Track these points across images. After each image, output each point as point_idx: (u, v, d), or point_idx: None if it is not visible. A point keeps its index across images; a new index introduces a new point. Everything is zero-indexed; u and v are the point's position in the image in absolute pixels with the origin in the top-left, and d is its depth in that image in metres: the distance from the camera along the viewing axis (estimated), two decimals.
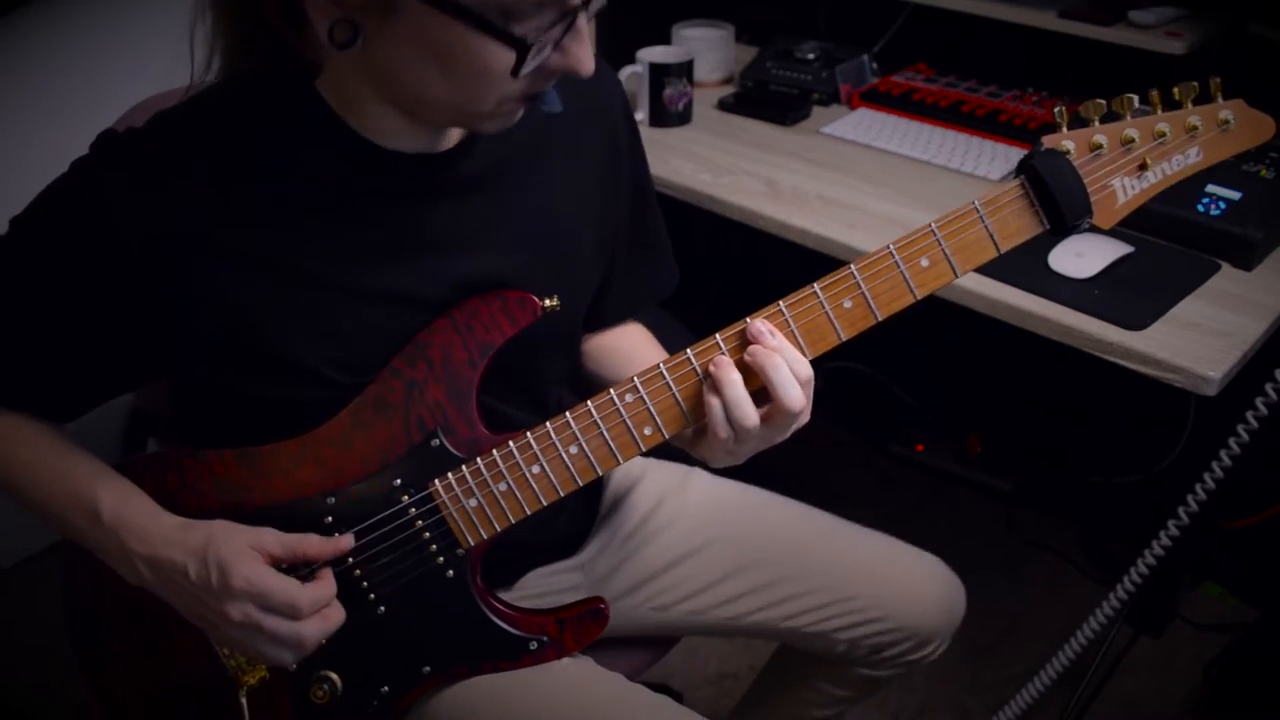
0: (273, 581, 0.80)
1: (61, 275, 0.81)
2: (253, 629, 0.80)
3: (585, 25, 0.72)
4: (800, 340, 0.81)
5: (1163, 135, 0.83)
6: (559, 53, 0.72)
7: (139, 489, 0.86)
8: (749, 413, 0.80)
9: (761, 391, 0.80)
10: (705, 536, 1.09)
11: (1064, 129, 0.83)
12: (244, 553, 0.80)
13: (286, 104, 0.80)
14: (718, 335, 0.82)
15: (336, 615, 0.84)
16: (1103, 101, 0.82)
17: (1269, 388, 1.27)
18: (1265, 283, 1.27)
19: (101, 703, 0.96)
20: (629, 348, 1.06)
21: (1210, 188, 1.32)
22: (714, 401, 0.80)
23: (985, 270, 1.27)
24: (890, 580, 1.08)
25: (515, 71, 0.70)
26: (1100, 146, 0.82)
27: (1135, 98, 0.82)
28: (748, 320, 0.81)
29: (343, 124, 0.80)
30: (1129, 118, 0.83)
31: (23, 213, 0.84)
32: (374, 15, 0.69)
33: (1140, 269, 1.28)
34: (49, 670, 1.66)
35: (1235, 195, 1.31)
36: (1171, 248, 1.33)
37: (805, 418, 0.82)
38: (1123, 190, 0.84)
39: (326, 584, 0.84)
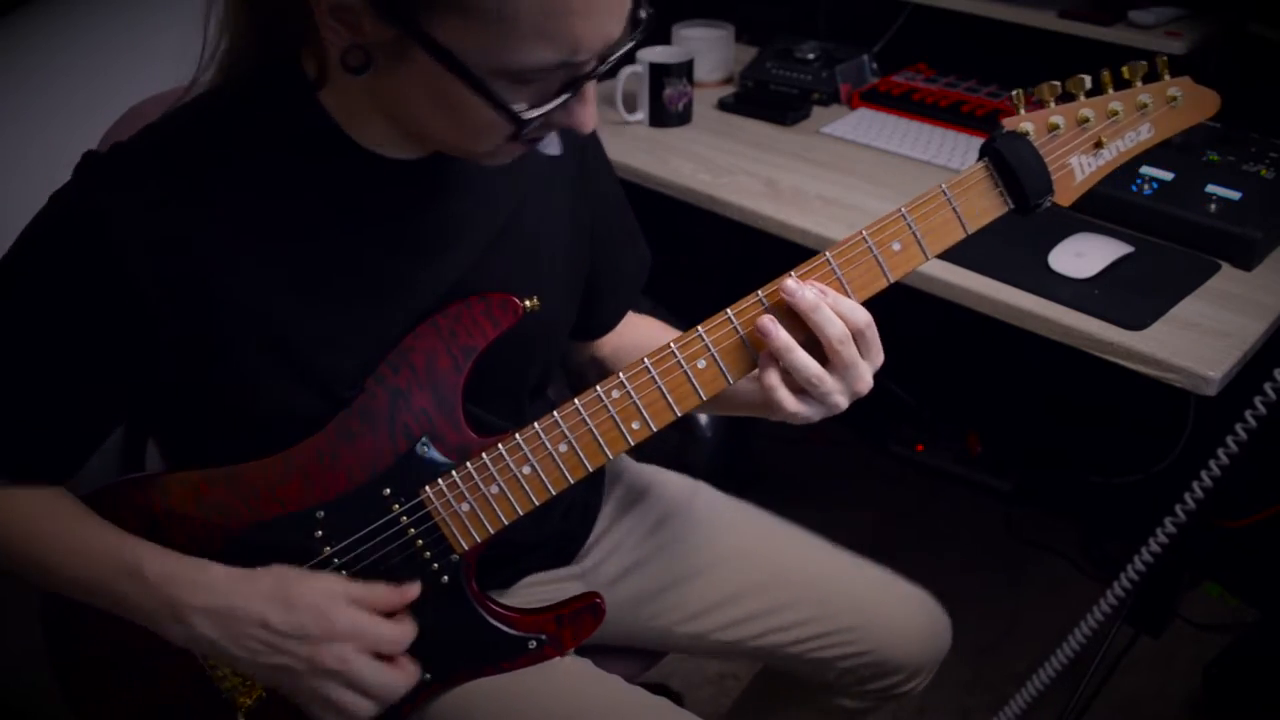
0: (376, 621, 0.80)
1: (62, 317, 0.78)
2: (344, 676, 0.79)
3: (592, 88, 0.73)
4: None
5: (1115, 114, 0.86)
6: (563, 110, 0.72)
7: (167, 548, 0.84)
8: (814, 370, 0.79)
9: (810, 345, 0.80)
10: (708, 558, 1.09)
11: (1021, 110, 0.85)
12: (335, 596, 0.80)
13: (286, 113, 0.79)
14: (700, 328, 0.82)
15: (415, 671, 0.84)
16: (1058, 83, 0.84)
17: (1269, 388, 1.26)
18: (1265, 283, 1.27)
19: None
20: (652, 336, 1.07)
21: (1210, 188, 1.32)
22: (771, 377, 0.80)
23: (985, 270, 1.28)
24: (883, 614, 1.08)
25: (514, 137, 0.71)
26: (1057, 127, 0.85)
27: (1088, 78, 0.85)
28: (749, 307, 0.81)
29: (344, 135, 0.79)
30: (1082, 98, 0.85)
31: (6, 257, 0.80)
32: (386, 54, 0.69)
33: (1140, 269, 1.28)
34: (49, 670, 1.66)
35: (1235, 195, 1.31)
36: (1171, 248, 1.32)
37: (877, 354, 0.81)
38: (1080, 168, 0.86)
39: (411, 624, 0.84)
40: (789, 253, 1.43)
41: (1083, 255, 1.29)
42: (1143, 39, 1.50)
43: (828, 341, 0.79)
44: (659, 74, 1.67)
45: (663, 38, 1.84)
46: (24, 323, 0.80)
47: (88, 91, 1.71)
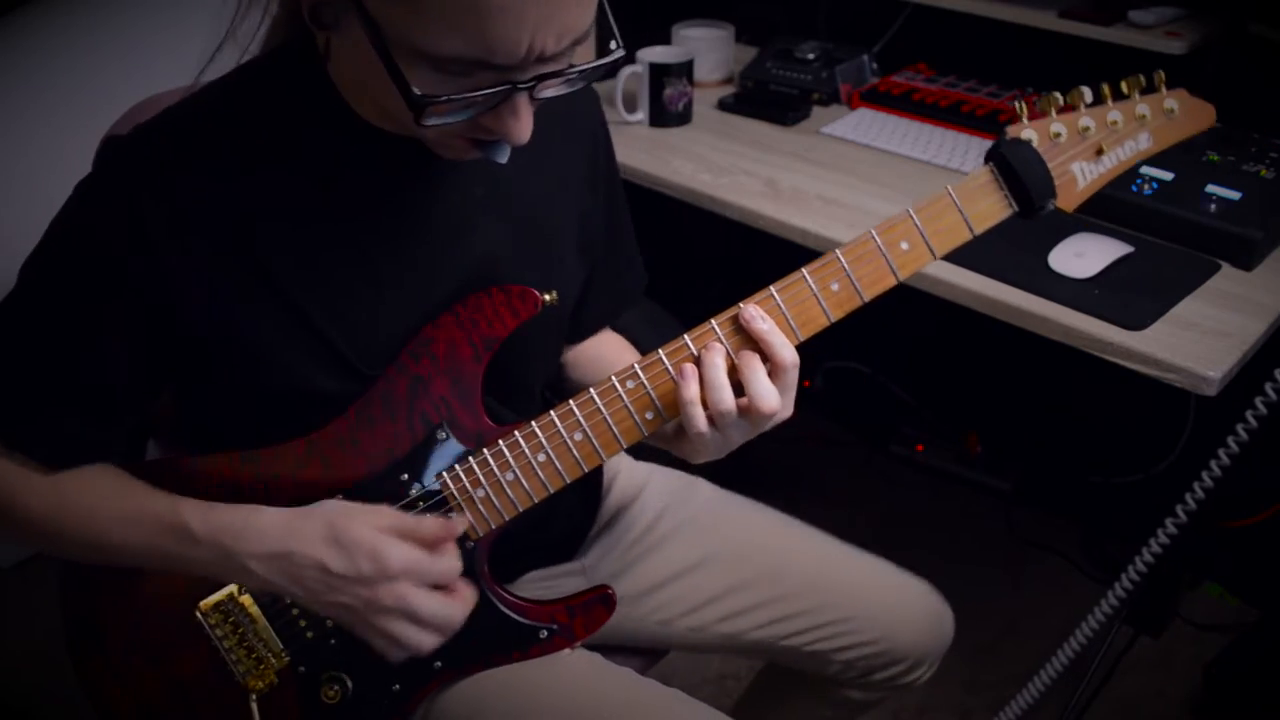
0: (428, 556, 0.79)
1: (95, 303, 0.79)
2: (404, 612, 0.79)
3: (524, 101, 0.71)
4: (791, 323, 0.85)
5: (1115, 124, 0.90)
6: (493, 115, 0.71)
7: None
8: (725, 397, 0.81)
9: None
10: (708, 550, 1.09)
11: (1024, 120, 0.88)
12: (383, 535, 0.79)
13: (296, 88, 0.80)
14: (713, 320, 0.84)
15: (473, 595, 0.83)
16: (1059, 95, 0.89)
17: (1269, 388, 1.26)
18: (1265, 283, 1.27)
19: (102, 717, 0.93)
20: (611, 355, 1.08)
21: (1211, 188, 1.32)
22: (690, 389, 0.82)
23: (985, 270, 1.28)
24: (884, 603, 1.09)
25: (416, 121, 0.69)
26: (1059, 135, 0.89)
27: (1088, 90, 0.89)
28: (740, 305, 0.84)
29: (348, 108, 0.80)
30: (1083, 108, 0.90)
31: (38, 248, 0.81)
32: (335, 13, 0.70)
33: (1140, 269, 1.28)
34: (49, 671, 1.66)
35: (1235, 195, 1.31)
36: (1171, 248, 1.32)
37: (787, 413, 0.84)
38: (1082, 175, 0.90)
39: (456, 555, 0.82)
40: (789, 253, 1.44)
41: (1083, 255, 1.29)
42: (1143, 39, 1.50)
43: (755, 404, 0.81)
44: (659, 74, 1.67)
45: (663, 38, 1.84)
46: (58, 313, 0.81)
47: (88, 91, 1.71)
